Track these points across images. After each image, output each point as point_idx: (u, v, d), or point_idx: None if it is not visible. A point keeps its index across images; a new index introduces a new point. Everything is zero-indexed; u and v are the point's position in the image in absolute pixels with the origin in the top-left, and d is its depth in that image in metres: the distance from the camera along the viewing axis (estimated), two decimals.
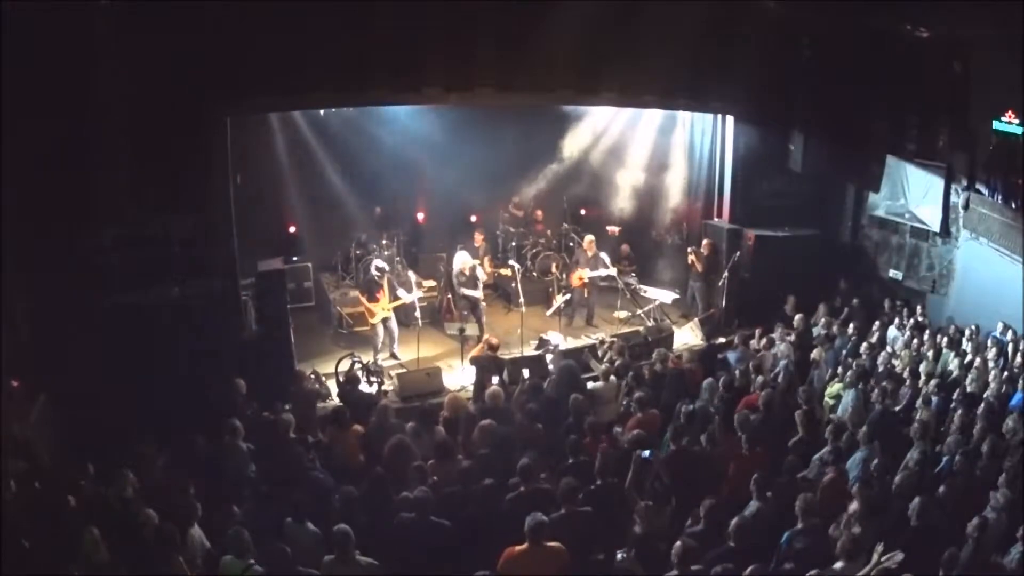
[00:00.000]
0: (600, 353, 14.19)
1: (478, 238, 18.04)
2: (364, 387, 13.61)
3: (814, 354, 13.78)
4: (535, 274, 19.32)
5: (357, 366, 14.08)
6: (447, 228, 20.04)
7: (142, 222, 13.02)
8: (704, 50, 15.25)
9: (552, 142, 20.17)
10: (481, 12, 14.06)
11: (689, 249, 18.08)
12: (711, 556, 8.02)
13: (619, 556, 8.00)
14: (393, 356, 16.15)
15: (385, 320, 15.87)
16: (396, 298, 15.93)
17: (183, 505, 8.82)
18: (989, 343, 13.63)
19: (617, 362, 13.31)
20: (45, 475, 9.75)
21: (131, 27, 12.01)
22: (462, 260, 16.41)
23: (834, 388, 12.82)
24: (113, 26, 11.93)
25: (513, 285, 17.32)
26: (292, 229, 18.96)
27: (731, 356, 13.94)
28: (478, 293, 16.42)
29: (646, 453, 9.51)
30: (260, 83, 13.40)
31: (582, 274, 17.48)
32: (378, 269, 15.96)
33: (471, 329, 15.76)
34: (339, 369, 14.22)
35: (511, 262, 18.53)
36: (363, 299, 15.88)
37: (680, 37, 14.83)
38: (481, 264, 16.97)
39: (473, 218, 20.56)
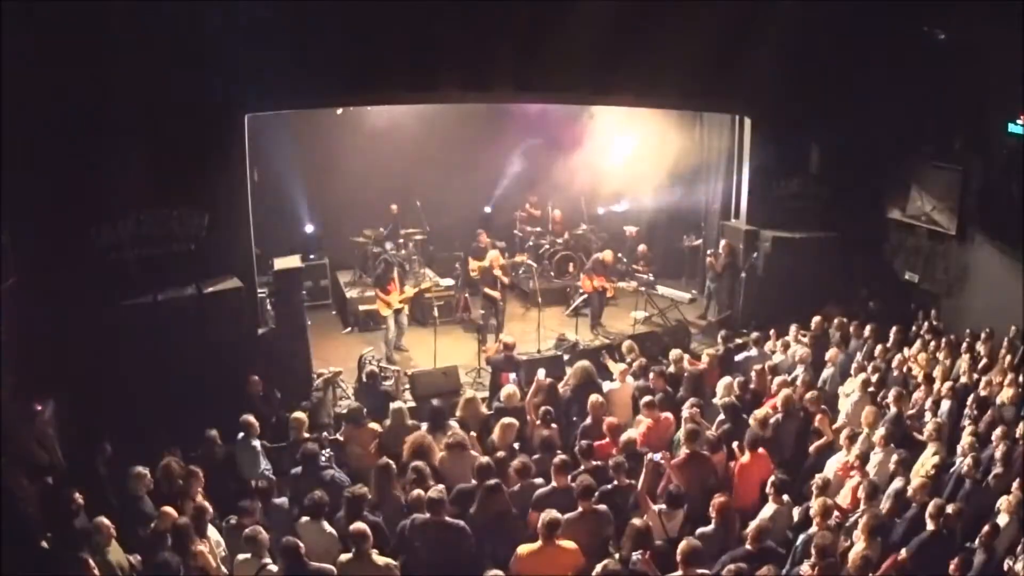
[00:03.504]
0: (617, 353, 14.20)
1: (483, 238, 18.06)
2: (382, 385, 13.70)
3: (828, 356, 13.75)
4: (552, 274, 19.32)
5: (370, 365, 14.14)
6: (464, 227, 20.02)
7: (159, 219, 13.05)
8: (722, 51, 15.19)
9: (569, 142, 20.13)
10: (498, 11, 14.05)
11: (708, 252, 18.08)
12: (726, 558, 8.10)
13: (634, 557, 8.03)
14: (399, 348, 16.29)
15: (396, 313, 16.00)
16: (404, 292, 16.03)
17: (197, 503, 8.89)
18: (1004, 346, 13.59)
19: (634, 363, 13.31)
20: (58, 473, 9.88)
21: (149, 23, 12.05)
22: (485, 258, 16.58)
23: (847, 390, 12.79)
24: (130, 21, 11.96)
25: (531, 285, 17.38)
26: (309, 227, 19.03)
27: (747, 357, 13.93)
28: (496, 292, 16.49)
29: (657, 456, 9.55)
30: (277, 81, 13.45)
31: (600, 282, 17.51)
32: (388, 263, 16.13)
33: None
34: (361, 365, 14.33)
35: (528, 260, 18.65)
36: (377, 293, 15.99)
37: (698, 37, 14.76)
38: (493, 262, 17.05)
39: (487, 209, 20.64)
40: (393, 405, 11.72)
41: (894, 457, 10.15)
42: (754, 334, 14.47)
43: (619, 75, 15.45)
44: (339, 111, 17.85)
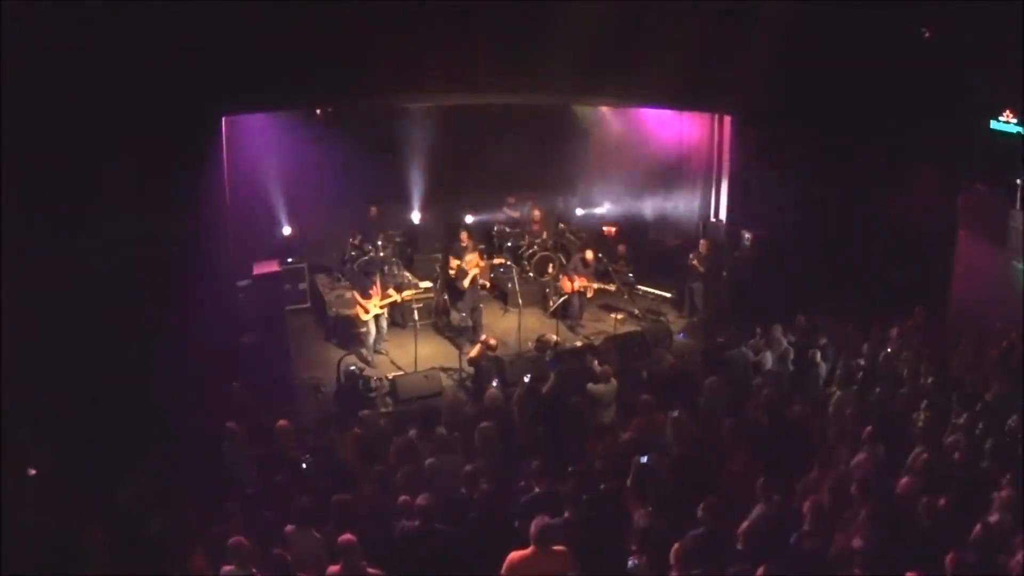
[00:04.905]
0: (600, 354, 14.13)
1: (464, 237, 17.97)
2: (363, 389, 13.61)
3: (811, 353, 13.73)
4: (532, 275, 19.25)
5: (350, 369, 14.06)
6: (443, 229, 19.89)
7: (136, 224, 12.89)
8: (705, 50, 15.19)
9: (550, 142, 20.07)
10: (483, 10, 14.01)
11: (691, 254, 18.04)
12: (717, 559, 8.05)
13: (631, 563, 7.97)
14: (378, 352, 16.19)
15: (376, 317, 15.89)
16: (387, 296, 15.90)
17: (181, 512, 8.79)
18: (990, 342, 13.62)
19: (617, 363, 13.26)
20: (47, 479, 9.73)
21: (126, 25, 11.92)
22: (464, 257, 16.54)
23: (833, 388, 12.79)
24: (108, 24, 11.83)
25: (510, 286, 17.32)
26: (288, 230, 18.89)
27: (731, 355, 13.91)
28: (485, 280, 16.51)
29: (644, 458, 9.48)
30: (256, 82, 13.32)
31: (582, 283, 17.44)
32: (370, 267, 16.03)
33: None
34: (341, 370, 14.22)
35: (507, 261, 18.59)
36: (357, 296, 15.86)
37: (681, 37, 14.78)
38: (476, 264, 16.99)
39: (469, 218, 20.54)
40: (375, 408, 11.66)
41: (879, 454, 10.14)
42: (737, 332, 14.46)
43: (603, 74, 15.43)
44: (319, 112, 17.78)
